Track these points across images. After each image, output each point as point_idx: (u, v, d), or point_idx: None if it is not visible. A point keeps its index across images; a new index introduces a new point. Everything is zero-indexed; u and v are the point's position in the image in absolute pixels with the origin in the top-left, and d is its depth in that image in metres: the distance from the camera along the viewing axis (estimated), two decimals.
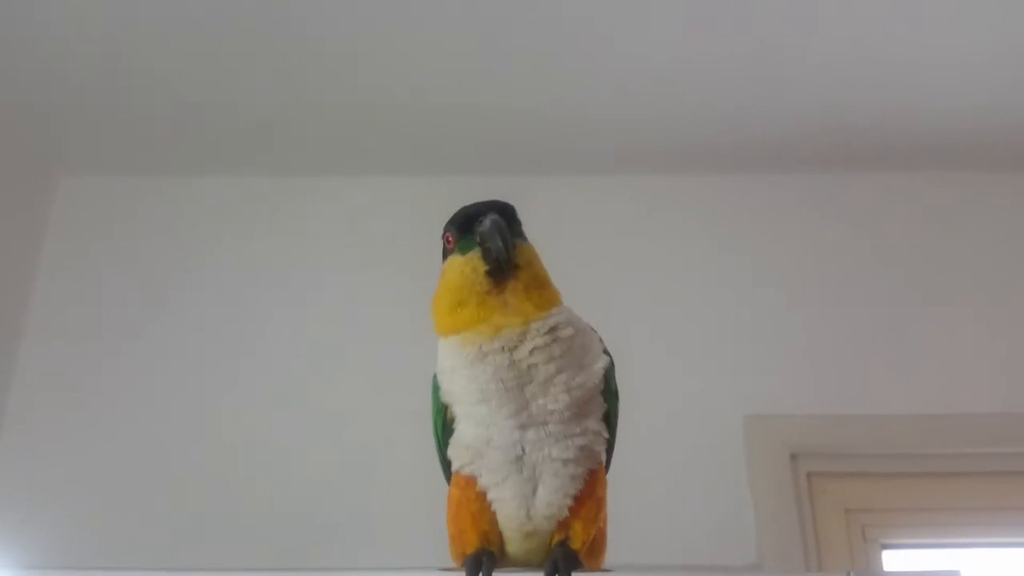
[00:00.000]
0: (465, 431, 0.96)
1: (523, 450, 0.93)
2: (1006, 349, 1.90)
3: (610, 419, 0.98)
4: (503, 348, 0.92)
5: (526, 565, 0.97)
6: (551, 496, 0.93)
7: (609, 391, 0.97)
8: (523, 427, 0.93)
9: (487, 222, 0.94)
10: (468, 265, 0.95)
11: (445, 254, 1.00)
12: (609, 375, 0.98)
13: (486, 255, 0.94)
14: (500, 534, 0.96)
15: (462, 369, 0.94)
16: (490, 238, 0.94)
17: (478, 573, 0.92)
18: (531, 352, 0.92)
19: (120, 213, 2.08)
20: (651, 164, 2.06)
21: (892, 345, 1.91)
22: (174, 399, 1.86)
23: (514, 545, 0.96)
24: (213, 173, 2.09)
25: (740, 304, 1.95)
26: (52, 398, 1.87)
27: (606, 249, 1.98)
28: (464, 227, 0.97)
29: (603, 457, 0.97)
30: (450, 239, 0.99)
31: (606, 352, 0.99)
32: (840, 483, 1.79)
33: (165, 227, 2.06)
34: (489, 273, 0.94)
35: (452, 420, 0.98)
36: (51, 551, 1.62)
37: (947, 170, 2.06)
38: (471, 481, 0.96)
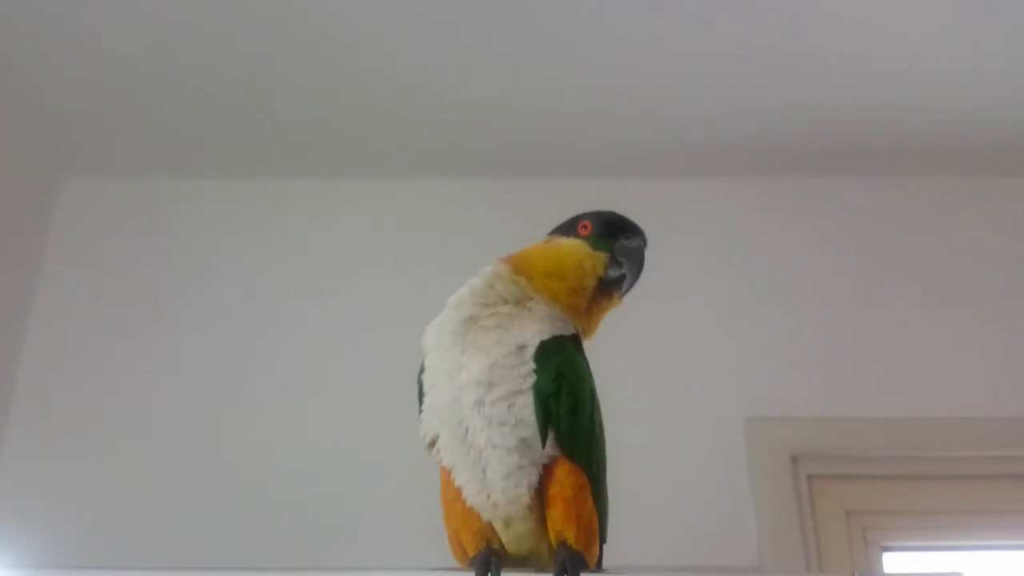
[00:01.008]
0: (428, 397, 0.98)
1: (466, 430, 0.94)
2: (1007, 352, 1.90)
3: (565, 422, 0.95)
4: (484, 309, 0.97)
5: (518, 553, 0.97)
6: (502, 483, 0.93)
7: (542, 387, 0.93)
8: (457, 399, 0.94)
9: (637, 243, 1.00)
10: (591, 260, 0.99)
11: (568, 232, 1.03)
12: (540, 360, 0.94)
13: (612, 266, 0.99)
14: (494, 529, 0.96)
15: (450, 308, 0.98)
16: (634, 260, 0.99)
17: (487, 573, 0.92)
18: (491, 315, 0.96)
19: (123, 215, 2.08)
20: (649, 167, 2.06)
21: (893, 348, 1.91)
22: (177, 399, 1.87)
23: (505, 535, 0.96)
24: (216, 175, 2.09)
25: (741, 306, 1.95)
26: (55, 398, 1.88)
27: None
28: (609, 228, 1.01)
29: (556, 452, 0.94)
30: (587, 226, 1.02)
31: (554, 350, 0.96)
32: (841, 485, 1.79)
33: (168, 229, 2.06)
34: (600, 280, 0.99)
35: (425, 393, 1.00)
36: (54, 550, 1.63)
37: (949, 174, 2.06)
38: (447, 473, 0.97)
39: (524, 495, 0.93)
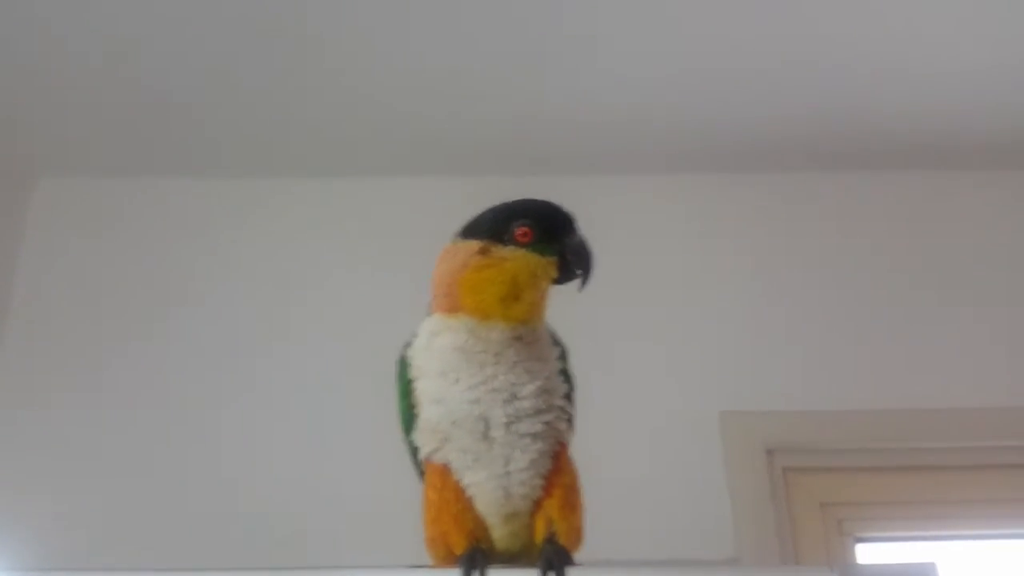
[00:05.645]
0: (428, 413, 0.97)
1: (487, 425, 0.94)
2: (981, 344, 1.92)
3: (570, 399, 1.00)
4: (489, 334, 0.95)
5: (509, 551, 0.98)
6: (523, 474, 0.95)
7: (566, 373, 1.01)
8: (478, 401, 0.94)
9: (580, 239, 0.98)
10: (542, 268, 0.97)
11: (508, 241, 0.97)
12: (563, 358, 1.01)
13: (565, 267, 0.98)
14: (485, 529, 0.97)
15: (445, 344, 0.96)
16: (585, 257, 0.97)
17: (472, 572, 0.93)
18: (503, 345, 0.95)
19: (99, 215, 2.07)
20: (630, 164, 2.07)
21: (866, 341, 1.92)
22: (158, 400, 1.85)
23: (497, 531, 0.97)
24: (194, 175, 2.08)
25: (715, 300, 1.96)
26: (36, 399, 1.86)
27: None
28: (548, 229, 0.98)
29: (566, 437, 0.99)
30: (528, 233, 0.97)
31: (556, 342, 1.02)
32: (815, 478, 1.80)
33: (144, 228, 2.05)
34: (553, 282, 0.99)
35: (415, 405, 0.99)
36: (43, 552, 1.62)
37: (925, 168, 2.08)
38: (446, 473, 0.97)
39: (539, 485, 0.96)
